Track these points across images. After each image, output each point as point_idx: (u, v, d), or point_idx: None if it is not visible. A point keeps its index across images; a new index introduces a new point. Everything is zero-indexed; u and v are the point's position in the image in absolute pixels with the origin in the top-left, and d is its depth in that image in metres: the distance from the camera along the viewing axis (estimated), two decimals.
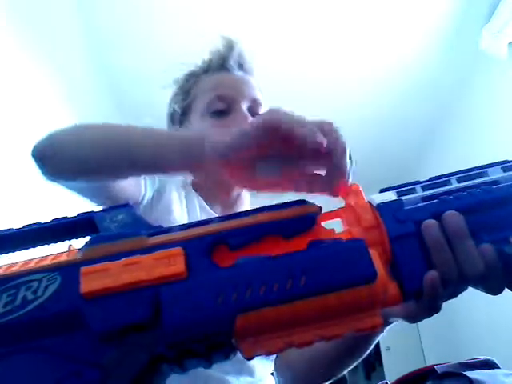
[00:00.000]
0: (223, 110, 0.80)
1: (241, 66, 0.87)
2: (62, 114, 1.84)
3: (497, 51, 2.09)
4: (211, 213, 0.74)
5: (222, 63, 0.86)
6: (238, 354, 0.28)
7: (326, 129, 0.34)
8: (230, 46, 0.87)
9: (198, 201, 0.75)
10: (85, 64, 2.13)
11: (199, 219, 0.72)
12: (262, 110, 0.83)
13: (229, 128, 0.72)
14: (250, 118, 0.78)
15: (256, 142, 0.35)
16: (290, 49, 2.39)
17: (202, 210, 0.73)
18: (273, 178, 0.38)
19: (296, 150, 0.34)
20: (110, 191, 0.59)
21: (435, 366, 0.63)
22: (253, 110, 0.81)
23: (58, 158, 0.55)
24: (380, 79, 2.64)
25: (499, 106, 2.32)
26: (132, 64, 2.30)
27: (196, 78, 0.87)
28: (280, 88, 2.59)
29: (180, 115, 0.88)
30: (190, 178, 0.82)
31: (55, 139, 0.56)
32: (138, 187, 0.66)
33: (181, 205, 0.72)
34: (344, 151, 0.34)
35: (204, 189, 0.77)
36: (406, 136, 3.11)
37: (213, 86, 0.83)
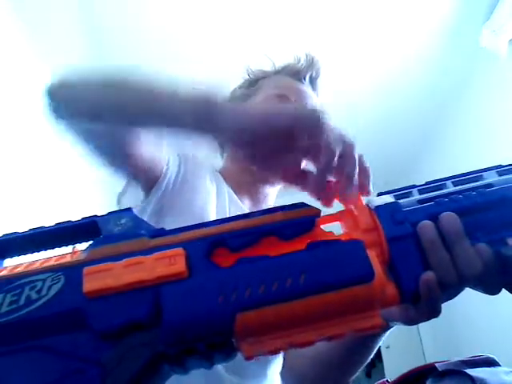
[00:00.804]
0: None
1: (312, 82, 0.92)
2: None
3: (497, 49, 2.09)
4: (240, 206, 0.73)
5: (297, 72, 0.90)
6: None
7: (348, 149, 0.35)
8: (311, 62, 0.92)
9: (228, 192, 0.74)
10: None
11: (227, 211, 0.69)
12: None
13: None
14: None
15: (287, 131, 0.35)
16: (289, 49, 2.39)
17: (230, 202, 0.73)
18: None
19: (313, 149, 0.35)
20: (129, 152, 0.56)
21: (436, 364, 0.64)
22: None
23: (75, 93, 0.52)
24: (379, 79, 2.64)
25: (500, 104, 2.31)
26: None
27: (267, 74, 0.92)
28: None
29: (240, 100, 0.90)
30: (217, 162, 0.86)
31: (74, 77, 0.53)
32: (160, 161, 0.64)
33: (210, 193, 0.70)
34: (354, 167, 0.34)
35: (235, 181, 0.78)
36: (404, 136, 3.11)
37: (279, 85, 0.87)
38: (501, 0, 2.04)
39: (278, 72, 0.92)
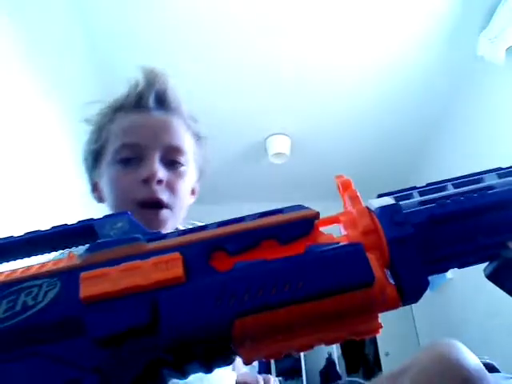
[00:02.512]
0: (132, 157, 0.72)
1: (161, 105, 0.77)
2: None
3: (494, 57, 2.11)
4: None
5: (138, 101, 0.76)
6: None
7: None
8: (150, 81, 0.77)
9: None
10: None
11: None
12: (186, 156, 0.76)
13: (134, 177, 0.70)
14: (158, 169, 0.71)
15: None
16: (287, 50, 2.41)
17: None
18: None
19: None
20: None
21: None
22: (168, 158, 0.74)
23: None
24: (377, 85, 2.65)
25: (497, 111, 2.33)
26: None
27: (109, 117, 0.77)
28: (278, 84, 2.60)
29: (92, 160, 0.79)
30: None
31: None
32: None
33: None
34: None
35: None
36: (403, 142, 3.13)
37: (123, 130, 0.74)
38: (498, 9, 2.06)
39: (117, 110, 0.77)
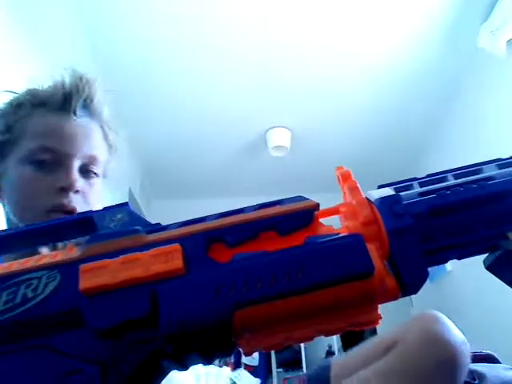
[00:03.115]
0: (48, 161, 0.69)
1: (86, 110, 0.75)
2: None
3: (495, 49, 2.10)
4: None
5: (62, 103, 0.73)
6: None
7: None
8: (79, 85, 0.74)
9: None
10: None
11: None
12: (100, 165, 0.75)
13: (49, 183, 0.68)
14: (78, 179, 0.70)
15: None
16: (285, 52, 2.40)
17: None
18: None
19: None
20: None
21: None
22: (87, 168, 0.73)
23: None
24: (377, 79, 2.64)
25: (497, 104, 2.32)
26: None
27: (26, 110, 0.73)
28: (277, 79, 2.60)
29: None
30: None
31: None
32: None
33: None
34: None
35: None
36: (403, 135, 3.12)
37: (44, 131, 0.71)
38: (499, 1, 2.05)
39: (38, 106, 0.73)
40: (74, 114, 0.73)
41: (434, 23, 2.28)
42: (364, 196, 0.32)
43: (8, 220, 0.73)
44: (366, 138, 3.14)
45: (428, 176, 0.34)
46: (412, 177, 0.36)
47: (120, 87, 2.47)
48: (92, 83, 0.76)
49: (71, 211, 0.68)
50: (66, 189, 0.68)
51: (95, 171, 0.75)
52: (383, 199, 0.30)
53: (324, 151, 3.25)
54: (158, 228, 0.31)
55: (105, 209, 0.32)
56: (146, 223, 0.31)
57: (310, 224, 0.31)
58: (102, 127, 0.78)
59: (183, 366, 0.28)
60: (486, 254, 0.33)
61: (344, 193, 0.34)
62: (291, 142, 3.10)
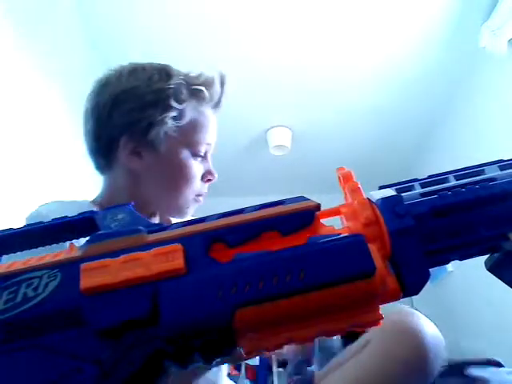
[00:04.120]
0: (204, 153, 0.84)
1: (219, 105, 0.87)
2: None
3: (497, 49, 2.10)
4: None
5: (217, 102, 0.85)
6: None
7: None
8: (223, 86, 0.86)
9: None
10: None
11: None
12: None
13: (201, 172, 0.82)
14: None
15: None
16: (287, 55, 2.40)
17: None
18: None
19: None
20: None
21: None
22: (207, 153, 0.85)
23: None
24: (378, 79, 2.64)
25: (499, 104, 2.32)
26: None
27: (198, 100, 0.82)
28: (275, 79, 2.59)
29: (153, 126, 0.77)
30: None
31: None
32: None
33: None
34: None
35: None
36: (404, 135, 3.12)
37: (209, 128, 0.83)
38: (500, 1, 2.04)
39: (206, 100, 0.83)
40: (216, 110, 0.85)
41: (435, 23, 2.27)
42: (365, 197, 0.32)
43: (114, 189, 0.81)
44: (367, 138, 3.13)
45: (429, 177, 0.34)
46: (413, 177, 0.36)
47: None
48: (226, 81, 0.87)
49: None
50: (211, 179, 0.85)
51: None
52: (384, 200, 0.30)
53: (325, 150, 3.24)
54: (159, 228, 0.31)
55: (106, 209, 0.32)
56: (146, 223, 0.31)
57: (311, 224, 0.31)
58: None
59: (184, 367, 0.28)
60: (487, 255, 0.33)
61: (345, 193, 0.34)
62: (292, 141, 3.10)
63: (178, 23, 2.23)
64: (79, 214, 0.33)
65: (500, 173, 0.33)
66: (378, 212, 0.30)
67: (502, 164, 0.35)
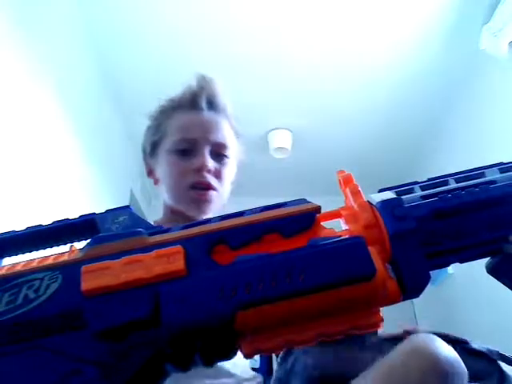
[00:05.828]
0: (187, 149, 0.89)
1: (211, 106, 0.93)
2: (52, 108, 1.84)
3: (497, 51, 2.09)
4: None
5: (192, 102, 0.92)
6: None
7: None
8: (202, 85, 0.93)
9: None
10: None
11: None
12: (229, 150, 0.94)
13: (188, 165, 0.87)
14: (208, 161, 0.88)
15: None
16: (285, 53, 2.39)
17: None
18: None
19: None
20: None
21: (469, 341, 0.61)
22: (216, 151, 0.91)
23: None
24: (379, 80, 2.64)
25: (499, 105, 2.31)
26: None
27: (167, 114, 0.94)
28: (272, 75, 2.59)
29: (150, 149, 0.95)
30: None
31: None
32: None
33: None
34: None
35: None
36: (404, 137, 3.11)
37: (181, 126, 0.91)
38: (501, 2, 2.04)
39: (175, 109, 0.93)
40: (202, 109, 0.91)
41: (436, 24, 2.27)
42: (365, 199, 0.32)
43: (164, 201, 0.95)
44: (367, 139, 3.13)
45: (430, 180, 0.34)
46: (414, 178, 0.36)
47: (120, 87, 2.48)
48: (213, 81, 0.94)
49: (207, 186, 0.88)
50: (200, 169, 0.87)
51: (225, 154, 0.93)
52: (385, 202, 0.30)
53: (325, 153, 3.24)
54: (160, 230, 0.31)
55: (107, 211, 0.32)
56: (147, 225, 0.31)
57: (312, 227, 0.31)
58: (227, 119, 0.95)
59: (184, 368, 0.28)
60: (488, 258, 0.33)
61: (345, 196, 0.34)
62: (292, 143, 3.10)
63: (178, 23, 2.23)
64: (80, 216, 0.33)
65: (500, 175, 0.33)
66: (378, 214, 0.30)
67: (502, 167, 0.35)
